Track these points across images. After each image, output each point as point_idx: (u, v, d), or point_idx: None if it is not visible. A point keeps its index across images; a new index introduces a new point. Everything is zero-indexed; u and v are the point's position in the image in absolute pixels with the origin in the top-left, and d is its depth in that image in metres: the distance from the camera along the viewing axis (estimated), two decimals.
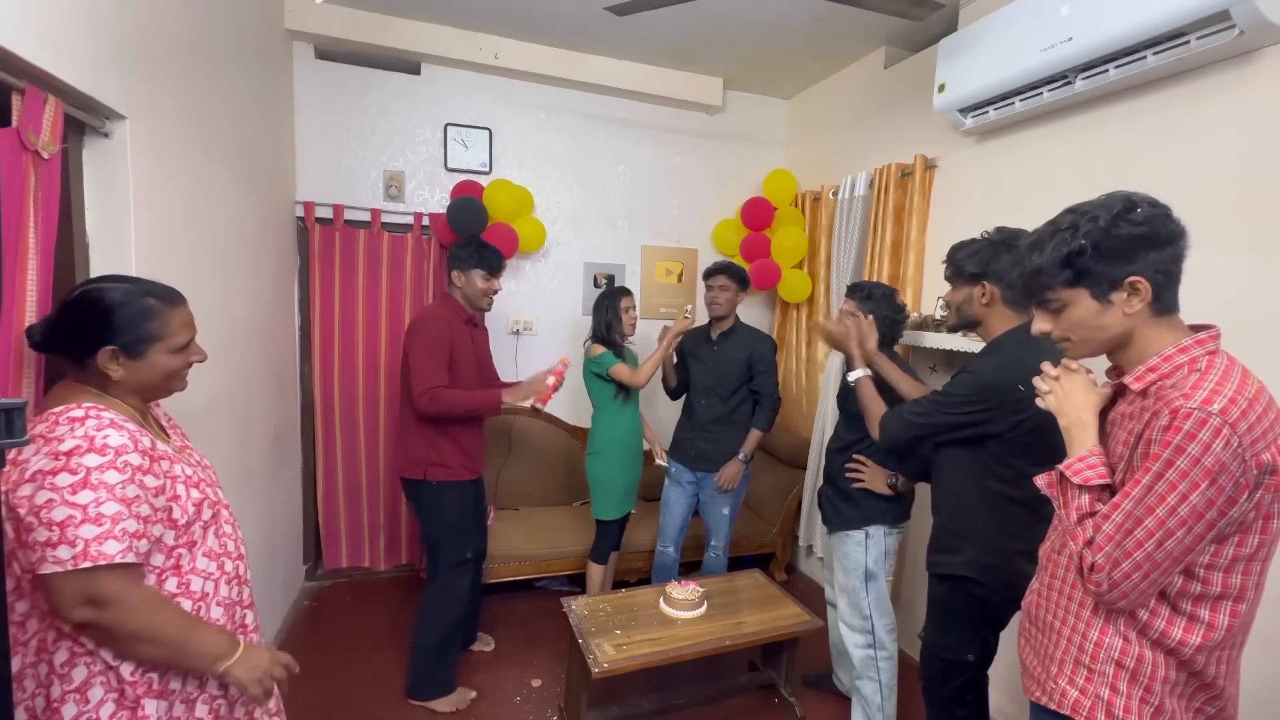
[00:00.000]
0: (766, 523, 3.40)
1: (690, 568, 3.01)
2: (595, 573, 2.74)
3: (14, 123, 1.15)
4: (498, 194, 3.07)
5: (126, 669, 0.98)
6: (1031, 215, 2.21)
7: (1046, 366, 1.13)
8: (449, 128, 3.20)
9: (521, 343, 3.42)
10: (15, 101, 1.16)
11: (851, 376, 1.94)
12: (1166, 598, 0.97)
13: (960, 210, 2.55)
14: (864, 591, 2.11)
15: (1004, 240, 1.60)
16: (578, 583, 3.13)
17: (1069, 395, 1.07)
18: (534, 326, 3.44)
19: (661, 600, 2.26)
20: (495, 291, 2.35)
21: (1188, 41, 1.67)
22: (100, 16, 1.36)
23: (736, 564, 3.12)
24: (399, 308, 3.13)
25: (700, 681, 2.45)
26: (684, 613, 2.22)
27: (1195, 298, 1.74)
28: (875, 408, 1.83)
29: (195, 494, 1.08)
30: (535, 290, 3.45)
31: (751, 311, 3.90)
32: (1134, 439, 0.98)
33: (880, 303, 2.07)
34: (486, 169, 3.28)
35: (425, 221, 3.13)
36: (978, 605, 1.64)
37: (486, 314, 2.56)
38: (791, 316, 3.65)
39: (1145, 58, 1.78)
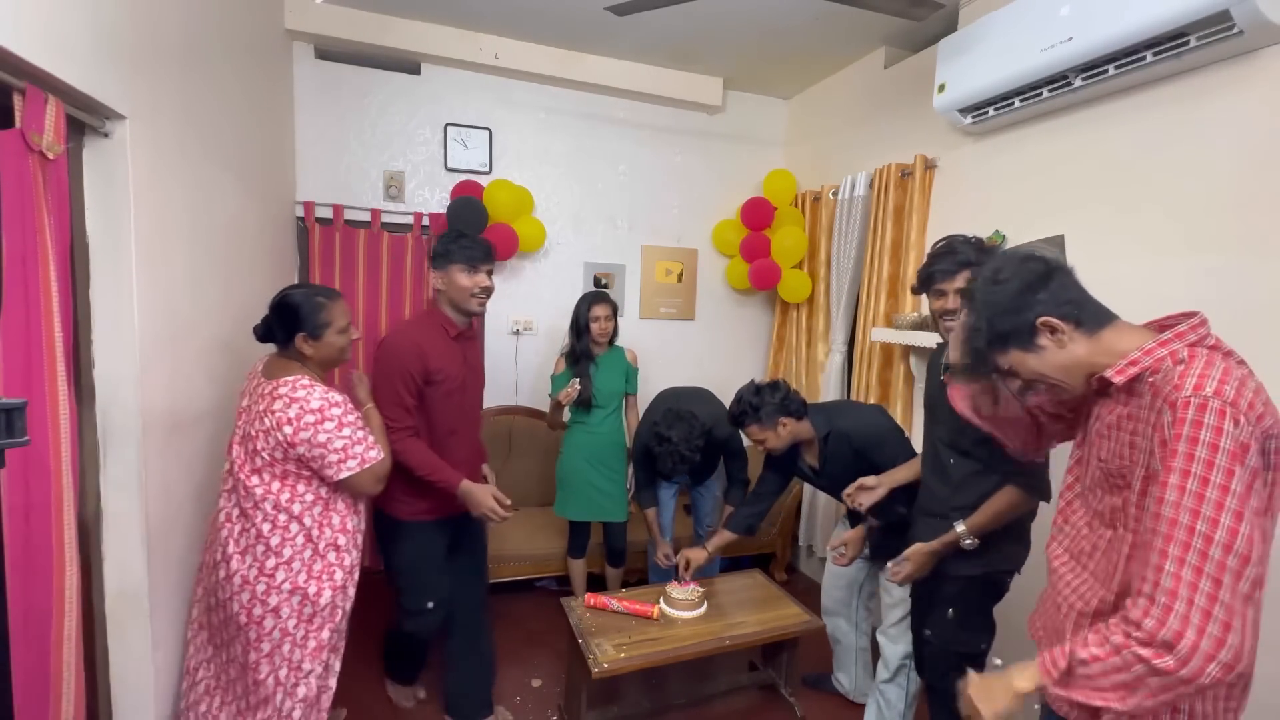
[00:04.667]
0: (766, 523, 3.39)
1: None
2: (570, 567, 2.86)
3: (17, 124, 1.15)
4: (498, 194, 3.07)
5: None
6: (1032, 215, 2.23)
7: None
8: (449, 128, 3.20)
9: (521, 343, 3.42)
10: (16, 102, 1.16)
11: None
12: None
13: (960, 210, 2.55)
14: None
15: (965, 243, 1.59)
16: None
17: (988, 698, 1.03)
18: (534, 326, 3.44)
19: (661, 600, 2.26)
20: (483, 288, 1.91)
21: (1188, 41, 1.67)
22: (100, 16, 1.36)
23: (736, 564, 3.13)
24: (399, 308, 3.13)
25: (700, 681, 2.45)
26: (684, 613, 2.22)
27: (1195, 297, 1.75)
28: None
29: None
30: (535, 290, 3.45)
31: (751, 312, 3.91)
32: (1141, 439, 0.97)
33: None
34: (486, 169, 3.28)
35: (425, 221, 3.13)
36: (991, 593, 1.69)
37: (480, 316, 2.08)
38: (791, 316, 3.65)
39: (1145, 58, 1.77)
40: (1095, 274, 2.00)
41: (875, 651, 2.24)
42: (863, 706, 2.22)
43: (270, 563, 1.53)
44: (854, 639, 2.36)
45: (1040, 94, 2.07)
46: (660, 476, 2.63)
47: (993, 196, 2.40)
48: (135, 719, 1.63)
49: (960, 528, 1.61)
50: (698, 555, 2.37)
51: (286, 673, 1.59)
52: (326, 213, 3.00)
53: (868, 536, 2.08)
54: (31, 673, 1.24)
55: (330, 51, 2.99)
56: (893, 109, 2.95)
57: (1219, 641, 0.82)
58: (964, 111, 2.35)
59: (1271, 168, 1.61)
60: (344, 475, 1.53)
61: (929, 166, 2.67)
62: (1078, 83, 1.96)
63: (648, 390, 2.98)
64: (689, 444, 2.33)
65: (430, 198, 3.22)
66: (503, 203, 3.07)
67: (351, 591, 1.66)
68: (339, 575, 1.62)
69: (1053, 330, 1.01)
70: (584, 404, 2.64)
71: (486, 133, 3.26)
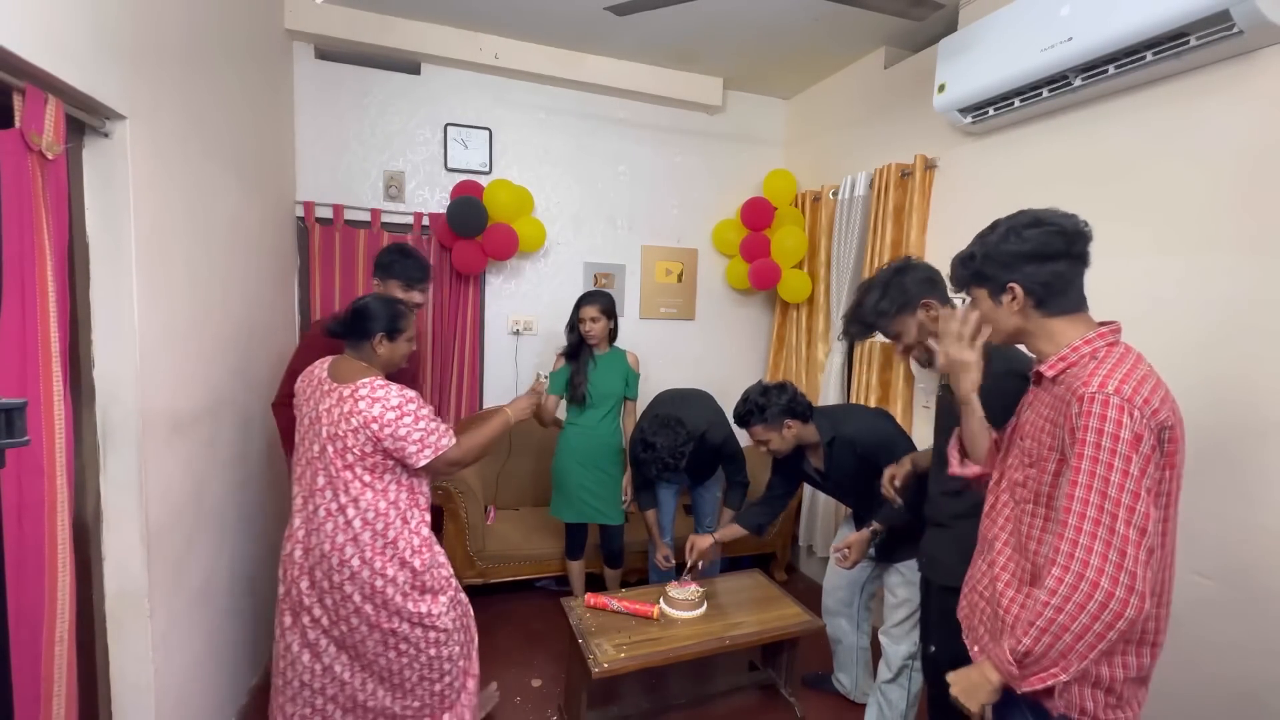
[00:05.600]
0: None
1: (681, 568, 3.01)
2: (568, 568, 2.85)
3: (17, 124, 1.15)
4: (498, 194, 3.07)
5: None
6: None
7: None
8: (449, 128, 3.20)
9: (521, 343, 3.42)
10: (16, 102, 1.16)
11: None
12: None
13: (960, 210, 2.55)
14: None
15: (894, 272, 1.67)
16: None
17: (971, 692, 1.17)
18: (534, 326, 3.44)
19: (661, 600, 2.26)
20: (416, 305, 2.07)
21: (1188, 41, 1.68)
22: (100, 16, 1.36)
23: (736, 564, 3.13)
24: None
25: (700, 681, 2.45)
26: (684, 613, 2.22)
27: (1196, 297, 1.76)
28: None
29: None
30: (535, 290, 3.45)
31: (751, 312, 3.91)
32: (1055, 426, 1.11)
33: None
34: (486, 169, 3.28)
35: (425, 221, 3.13)
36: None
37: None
38: (791, 316, 3.65)
39: (1145, 58, 1.78)
40: (1095, 274, 2.01)
41: (876, 651, 2.24)
42: (863, 707, 2.22)
43: (378, 544, 1.71)
44: (855, 639, 2.36)
45: (1040, 94, 2.08)
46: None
47: (993, 196, 2.41)
48: (135, 719, 1.63)
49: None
50: (704, 541, 2.38)
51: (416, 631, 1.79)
52: (326, 213, 3.00)
53: (872, 540, 2.08)
54: (25, 674, 1.24)
55: (330, 51, 2.99)
56: (893, 109, 2.95)
57: (1129, 588, 0.98)
58: (964, 111, 2.35)
59: (1271, 167, 1.61)
60: (423, 462, 1.71)
61: (929, 166, 2.67)
62: (1078, 82, 1.96)
63: (648, 390, 2.98)
64: (673, 452, 2.33)
65: (430, 198, 3.22)
66: (503, 203, 3.07)
67: (444, 560, 1.87)
68: (435, 548, 1.84)
69: (1013, 296, 1.17)
70: (577, 400, 2.64)
71: (486, 133, 3.26)
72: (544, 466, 3.38)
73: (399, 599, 1.74)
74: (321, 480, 1.72)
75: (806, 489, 3.32)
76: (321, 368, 1.80)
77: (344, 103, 3.04)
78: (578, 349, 2.66)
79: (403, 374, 1.99)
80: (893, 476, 1.89)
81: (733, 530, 2.42)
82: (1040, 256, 1.14)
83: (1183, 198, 1.80)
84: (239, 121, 2.22)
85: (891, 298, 1.64)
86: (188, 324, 1.81)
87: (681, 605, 2.23)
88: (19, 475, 1.20)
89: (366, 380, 1.68)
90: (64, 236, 1.29)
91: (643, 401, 2.89)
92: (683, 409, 2.54)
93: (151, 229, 1.58)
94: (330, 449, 1.69)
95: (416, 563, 1.76)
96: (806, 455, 2.24)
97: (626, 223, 3.59)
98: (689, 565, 2.37)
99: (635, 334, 3.55)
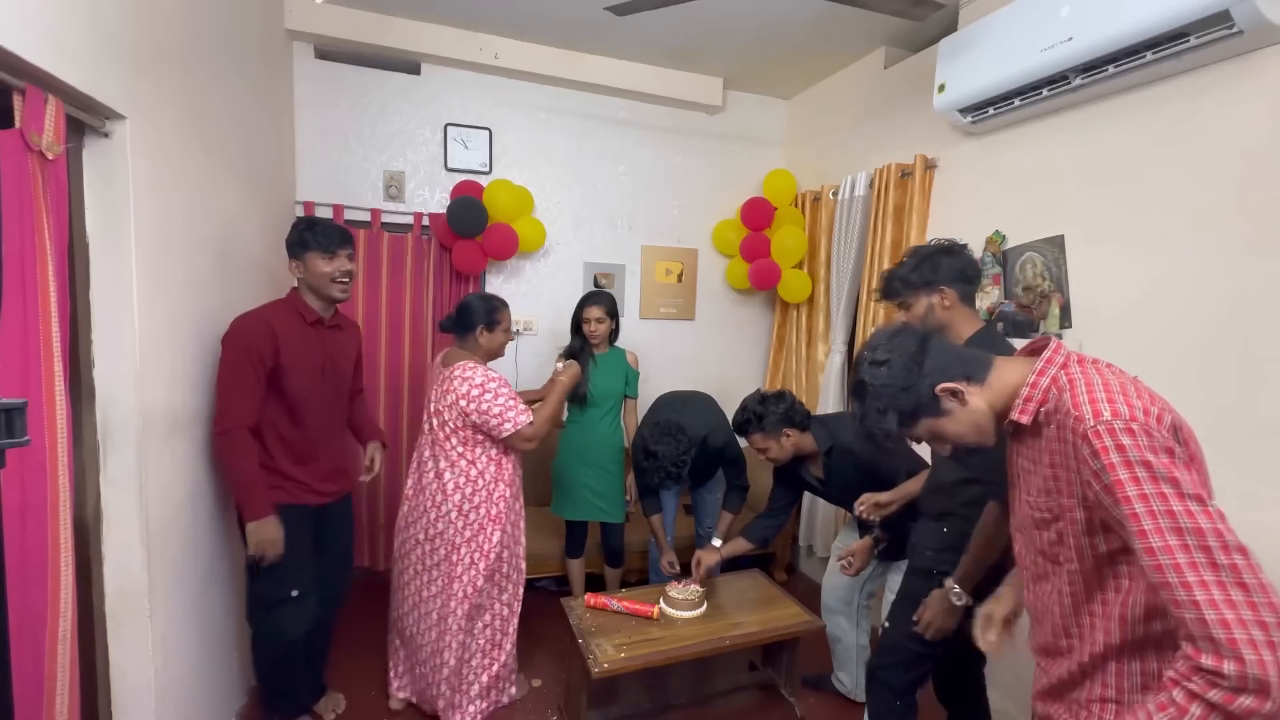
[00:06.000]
0: None
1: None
2: (567, 567, 2.87)
3: (17, 124, 1.15)
4: (498, 194, 3.07)
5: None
6: (1032, 214, 2.23)
7: None
8: (449, 128, 3.20)
9: (521, 343, 3.42)
10: (16, 102, 1.16)
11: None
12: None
13: (960, 210, 2.55)
14: None
15: (939, 249, 1.65)
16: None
17: None
18: (534, 326, 3.44)
19: (661, 600, 2.26)
20: (344, 271, 1.94)
21: (1188, 41, 1.67)
22: (100, 16, 1.36)
23: (736, 564, 3.12)
24: (399, 308, 3.13)
25: (700, 681, 2.45)
26: (684, 613, 2.22)
27: (1196, 297, 1.76)
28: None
29: None
30: (535, 290, 3.45)
31: (751, 312, 3.91)
32: (1067, 471, 0.97)
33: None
34: (486, 169, 3.28)
35: (425, 221, 3.13)
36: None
37: (342, 303, 2.06)
38: (791, 316, 3.65)
39: (1145, 57, 1.77)
40: (1095, 274, 2.02)
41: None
42: (863, 706, 2.22)
43: (466, 505, 2.04)
44: (854, 637, 2.36)
45: (1040, 93, 2.07)
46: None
47: (993, 196, 2.41)
48: (135, 719, 1.63)
49: (953, 587, 1.57)
50: (710, 557, 2.38)
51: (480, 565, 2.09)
52: (326, 213, 3.00)
53: (875, 547, 2.08)
54: (26, 675, 1.24)
55: (330, 51, 2.99)
56: (893, 109, 2.95)
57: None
58: (964, 111, 2.35)
59: (1271, 167, 1.61)
60: (505, 434, 2.00)
61: (929, 166, 2.67)
62: (1077, 82, 1.96)
63: (648, 390, 2.98)
64: (675, 460, 2.34)
65: (430, 198, 3.22)
66: (503, 203, 3.07)
67: (516, 519, 2.18)
68: (512, 508, 2.15)
69: (953, 393, 1.03)
70: (579, 400, 2.64)
71: (486, 133, 3.26)
72: (544, 466, 3.38)
73: (482, 537, 2.07)
74: (427, 452, 2.09)
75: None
76: (440, 355, 2.19)
77: (344, 103, 3.04)
78: (579, 350, 2.67)
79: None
80: (877, 503, 1.94)
81: (738, 545, 2.41)
82: (916, 355, 1.05)
83: (1183, 197, 1.80)
84: (239, 121, 2.22)
85: (921, 272, 1.64)
86: (188, 324, 1.81)
87: (681, 605, 2.23)
88: (22, 475, 1.20)
89: (462, 364, 2.03)
90: (64, 236, 1.29)
91: (643, 401, 2.89)
92: (684, 413, 2.54)
93: (151, 229, 1.58)
94: (435, 422, 2.06)
95: (495, 512, 2.09)
96: (807, 464, 2.25)
97: (626, 223, 3.59)
98: (694, 576, 2.37)
99: (635, 334, 3.55)
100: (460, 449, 2.03)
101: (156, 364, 1.63)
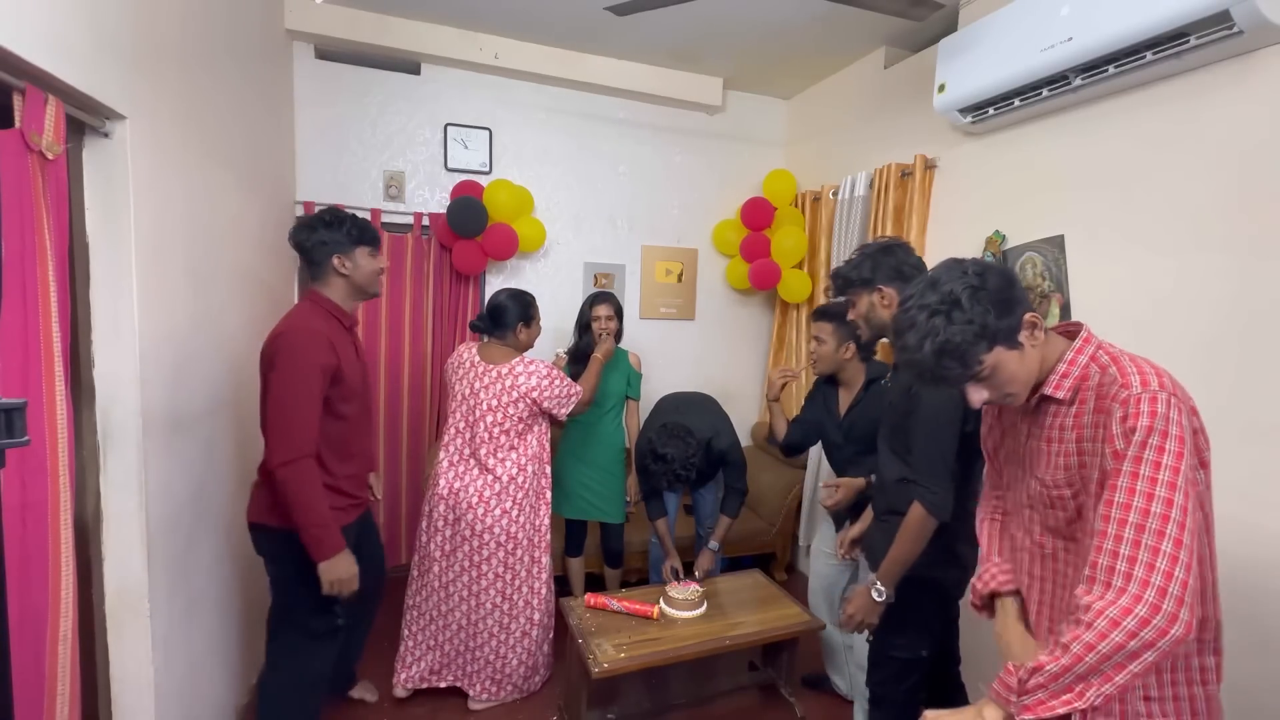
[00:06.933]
0: (766, 522, 3.40)
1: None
2: (567, 566, 2.87)
3: (17, 124, 1.15)
4: (498, 194, 3.07)
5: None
6: (1032, 215, 2.23)
7: None
8: (449, 128, 3.20)
9: None
10: (16, 102, 1.16)
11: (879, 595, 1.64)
12: None
13: (960, 210, 2.55)
14: None
15: (880, 248, 1.65)
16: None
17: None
18: None
19: (661, 600, 2.26)
20: (384, 269, 1.94)
21: (1188, 41, 1.67)
22: (100, 16, 1.36)
23: (736, 564, 3.13)
24: (399, 308, 3.13)
25: (700, 681, 2.45)
26: (684, 613, 2.22)
27: (1196, 297, 1.76)
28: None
29: None
30: (535, 290, 3.37)
31: (751, 312, 3.91)
32: (1092, 444, 0.97)
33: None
34: (486, 169, 3.28)
35: (425, 221, 3.13)
36: (935, 600, 1.66)
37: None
38: (791, 316, 3.64)
39: (1145, 57, 1.77)
40: (1095, 274, 2.02)
41: None
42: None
43: (520, 493, 2.19)
44: (839, 638, 2.36)
45: (1040, 94, 2.07)
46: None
47: (993, 196, 2.40)
48: (135, 719, 1.63)
49: (875, 582, 1.64)
50: (706, 561, 2.45)
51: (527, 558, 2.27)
52: None
53: (865, 490, 2.02)
54: (27, 674, 1.24)
55: (330, 51, 2.99)
56: (893, 109, 2.95)
57: (1179, 600, 0.85)
58: (964, 111, 2.35)
59: (1271, 167, 1.61)
60: (568, 411, 2.24)
61: (929, 166, 2.67)
62: (1077, 82, 1.96)
63: (648, 390, 2.98)
64: (684, 463, 2.34)
65: (430, 198, 3.22)
66: (503, 203, 3.07)
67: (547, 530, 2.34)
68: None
69: (1034, 327, 1.00)
70: None
71: (486, 133, 3.26)
72: None
73: (518, 531, 2.21)
74: (467, 450, 2.20)
75: (806, 486, 3.31)
76: (470, 352, 2.27)
77: (344, 103, 3.04)
78: (585, 350, 2.65)
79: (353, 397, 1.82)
80: (835, 488, 2.00)
81: (722, 524, 2.56)
82: (1014, 279, 1.05)
83: (1183, 197, 1.80)
84: (239, 121, 2.22)
85: (860, 270, 1.66)
86: (188, 324, 1.81)
87: (681, 605, 2.23)
88: (23, 475, 1.20)
89: (518, 358, 2.20)
90: (64, 236, 1.29)
91: (645, 401, 2.89)
92: (688, 415, 2.54)
93: (151, 229, 1.58)
94: (488, 420, 2.16)
95: (541, 507, 2.28)
96: (837, 390, 2.19)
97: (626, 223, 3.59)
98: (695, 575, 2.39)
99: (635, 334, 3.54)
100: (515, 439, 2.18)
101: (156, 364, 1.62)
